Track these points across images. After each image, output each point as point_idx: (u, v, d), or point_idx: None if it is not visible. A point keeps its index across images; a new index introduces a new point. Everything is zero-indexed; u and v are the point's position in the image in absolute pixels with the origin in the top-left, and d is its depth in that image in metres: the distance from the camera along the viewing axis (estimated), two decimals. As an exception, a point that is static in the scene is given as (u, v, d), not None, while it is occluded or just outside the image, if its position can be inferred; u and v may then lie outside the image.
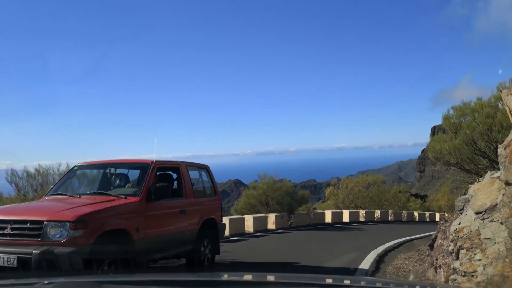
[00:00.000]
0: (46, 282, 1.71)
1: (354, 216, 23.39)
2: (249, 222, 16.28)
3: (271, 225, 17.49)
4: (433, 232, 16.32)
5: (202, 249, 7.13)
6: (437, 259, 7.11)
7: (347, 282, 1.56)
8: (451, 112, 11.77)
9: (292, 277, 1.93)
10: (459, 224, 4.70)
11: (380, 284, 1.93)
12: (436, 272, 7.03)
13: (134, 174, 6.84)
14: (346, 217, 22.87)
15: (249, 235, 15.06)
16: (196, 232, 6.99)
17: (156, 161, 6.43)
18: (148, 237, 5.75)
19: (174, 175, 7.19)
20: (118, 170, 6.82)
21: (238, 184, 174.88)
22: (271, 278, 2.00)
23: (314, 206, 31.58)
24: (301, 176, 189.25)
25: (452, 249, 4.73)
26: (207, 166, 8.16)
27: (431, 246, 8.71)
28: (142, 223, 5.67)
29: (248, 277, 2.23)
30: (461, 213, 5.05)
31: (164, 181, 6.53)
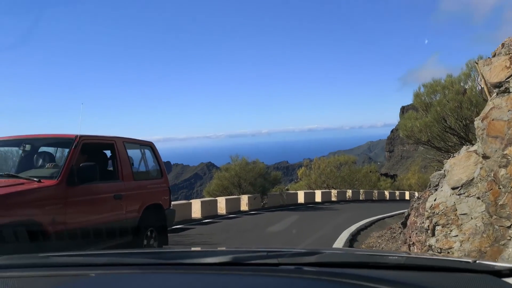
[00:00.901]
0: None
1: (326, 196, 23.55)
2: (221, 204, 16.07)
3: (244, 206, 17.34)
4: (405, 210, 16.51)
5: (145, 240, 6.20)
6: (410, 237, 7.08)
7: (323, 251, 1.54)
8: (422, 89, 11.78)
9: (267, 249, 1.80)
10: (435, 200, 4.58)
11: (357, 253, 1.91)
12: (409, 249, 7.00)
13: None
14: (318, 197, 23.00)
15: (222, 217, 14.87)
16: (137, 220, 6.00)
17: (81, 136, 5.30)
18: (70, 228, 4.73)
19: (109, 154, 6.16)
20: (43, 149, 5.71)
21: (210, 166, 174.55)
22: (242, 249, 1.99)
23: (286, 187, 31.68)
24: (273, 157, 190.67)
25: (428, 226, 4.61)
26: (151, 143, 7.14)
27: (404, 224, 8.71)
28: (60, 212, 4.65)
29: (221, 248, 2.30)
30: (436, 189, 4.94)
31: (93, 160, 5.39)
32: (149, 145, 7.04)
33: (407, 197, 30.69)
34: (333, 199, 24.11)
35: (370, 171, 30.26)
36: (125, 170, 5.96)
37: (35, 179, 4.68)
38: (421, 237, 6.85)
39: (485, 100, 10.29)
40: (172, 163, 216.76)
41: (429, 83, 11.69)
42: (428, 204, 4.68)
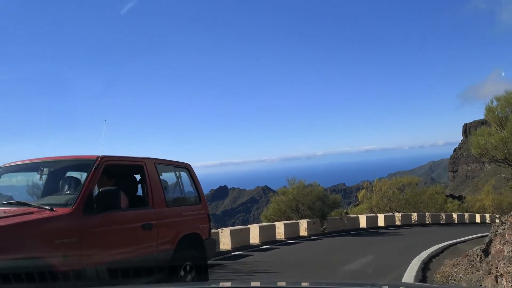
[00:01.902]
0: None
1: (389, 220, 22.36)
2: (280, 229, 15.60)
3: (303, 231, 16.74)
4: (479, 235, 15.26)
5: (181, 276, 5.40)
6: (497, 267, 6.26)
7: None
8: (495, 103, 10.87)
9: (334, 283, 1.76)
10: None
11: None
12: (496, 282, 6.18)
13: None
14: (381, 221, 21.87)
15: (280, 242, 14.38)
16: (171, 253, 5.23)
17: (103, 157, 4.63)
18: (88, 266, 3.99)
19: (138, 178, 5.55)
20: (69, 173, 5.06)
21: (266, 190, 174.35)
22: (305, 284, 1.94)
23: (345, 210, 30.61)
24: (329, 180, 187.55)
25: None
26: (188, 164, 6.35)
27: (486, 252, 7.83)
28: (75, 246, 3.91)
29: (282, 283, 2.22)
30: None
31: (120, 185, 4.82)
32: (186, 167, 6.31)
33: (477, 220, 28.60)
34: (397, 223, 22.83)
35: (436, 192, 28.46)
36: (157, 196, 5.28)
37: (46, 207, 4.02)
38: (510, 268, 6.03)
39: None
40: (229, 187, 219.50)
41: (503, 95, 10.78)
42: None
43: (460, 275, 8.61)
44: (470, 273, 8.35)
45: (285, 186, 21.81)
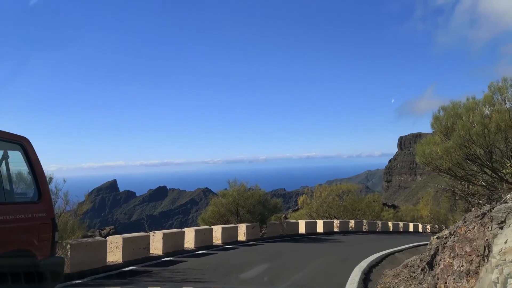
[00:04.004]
0: None
1: (328, 226, 22.23)
2: (217, 234, 14.80)
3: (241, 236, 16.04)
4: (415, 244, 15.12)
5: None
6: (446, 282, 5.87)
7: None
8: (441, 112, 10.76)
9: None
10: (506, 242, 3.42)
11: None
12: (444, 297, 5.78)
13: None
14: (320, 227, 21.67)
15: (217, 247, 13.60)
16: None
17: None
18: None
19: None
20: None
21: (207, 192, 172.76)
22: None
23: (284, 214, 30.32)
24: (271, 184, 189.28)
25: (497, 278, 3.43)
26: (24, 139, 4.13)
27: (430, 264, 7.50)
28: None
29: None
30: (501, 228, 3.78)
31: None
32: (19, 143, 4.07)
33: (411, 229, 29.35)
34: (336, 229, 22.77)
35: (374, 200, 28.92)
36: None
37: None
38: (460, 284, 5.65)
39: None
40: (168, 188, 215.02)
41: (449, 105, 10.70)
42: (496, 248, 3.51)
43: (402, 287, 8.27)
44: (412, 285, 8.00)
45: (226, 189, 21.03)
